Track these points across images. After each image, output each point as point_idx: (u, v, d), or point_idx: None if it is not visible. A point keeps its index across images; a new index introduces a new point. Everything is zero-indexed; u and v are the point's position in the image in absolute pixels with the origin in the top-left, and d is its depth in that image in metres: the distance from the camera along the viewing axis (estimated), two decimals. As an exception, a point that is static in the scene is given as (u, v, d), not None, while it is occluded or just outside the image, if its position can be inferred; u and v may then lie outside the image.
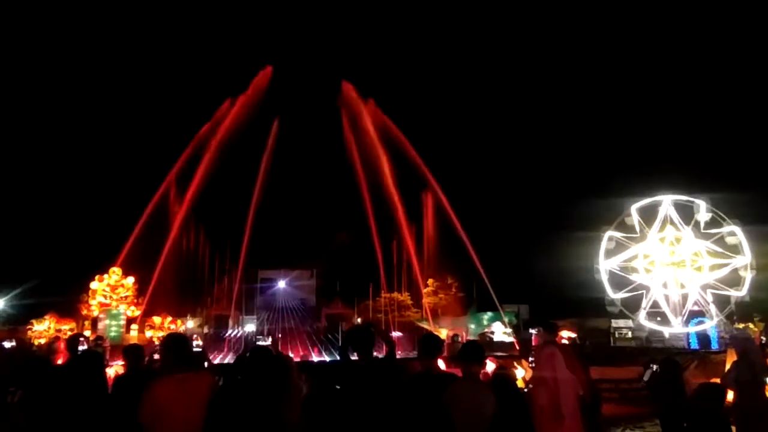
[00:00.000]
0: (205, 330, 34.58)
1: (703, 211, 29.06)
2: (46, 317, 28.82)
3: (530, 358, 9.95)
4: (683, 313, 29.54)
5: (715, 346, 24.45)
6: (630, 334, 29.39)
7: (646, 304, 30.15)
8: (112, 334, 27.62)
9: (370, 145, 38.03)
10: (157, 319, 30.91)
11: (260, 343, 26.08)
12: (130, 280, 32.21)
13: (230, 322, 36.53)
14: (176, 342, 4.72)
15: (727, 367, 9.74)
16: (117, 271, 32.06)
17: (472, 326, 32.69)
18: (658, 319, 30.11)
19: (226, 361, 21.99)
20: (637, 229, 30.54)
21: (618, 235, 30.64)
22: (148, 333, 29.75)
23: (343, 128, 38.83)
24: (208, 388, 4.47)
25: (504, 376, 6.83)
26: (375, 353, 5.01)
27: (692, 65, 60.75)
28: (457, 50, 74.57)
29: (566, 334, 21.29)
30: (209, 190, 36.42)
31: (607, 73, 65.36)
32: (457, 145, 56.07)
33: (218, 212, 38.61)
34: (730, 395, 8.29)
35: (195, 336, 25.67)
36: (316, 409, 4.91)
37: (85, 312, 31.12)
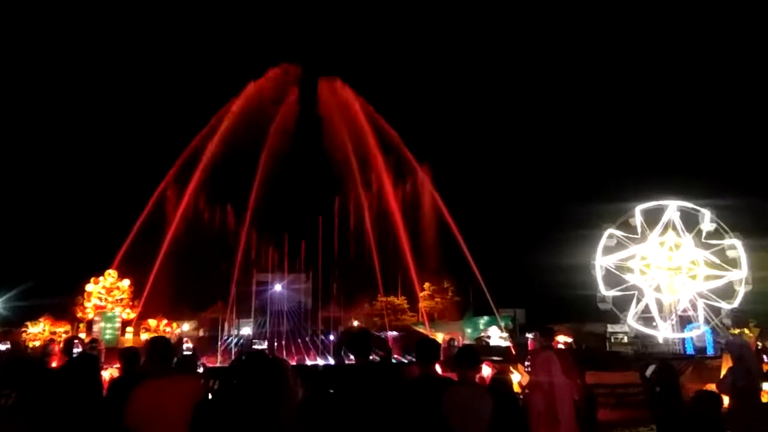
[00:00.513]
0: (201, 333, 34.45)
1: (707, 221, 29.08)
2: (41, 319, 28.64)
3: (526, 363, 9.95)
4: (672, 318, 29.63)
5: (710, 351, 24.50)
6: (626, 339, 29.45)
7: (635, 305, 30.21)
8: (107, 336, 27.50)
9: (367, 146, 38.11)
10: (152, 322, 30.77)
11: (256, 346, 26.00)
12: (126, 282, 32.09)
13: (226, 326, 36.41)
14: (159, 345, 4.72)
15: (723, 372, 9.76)
16: (112, 273, 31.93)
17: (469, 330, 32.64)
18: (654, 324, 30.18)
19: (221, 365, 21.92)
20: (639, 230, 30.59)
21: (619, 233, 30.71)
22: (144, 336, 29.58)
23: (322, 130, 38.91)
24: (194, 392, 4.43)
25: (501, 380, 6.84)
26: (372, 356, 5.00)
27: (715, 76, 60.07)
28: (460, 50, 74.88)
29: (562, 339, 21.30)
30: (209, 190, 36.58)
31: (623, 80, 65.50)
32: (457, 147, 56.25)
33: (218, 212, 38.57)
34: (726, 401, 8.31)
35: (186, 339, 25.55)
36: (312, 413, 4.89)
37: (80, 314, 30.98)
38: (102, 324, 28.66)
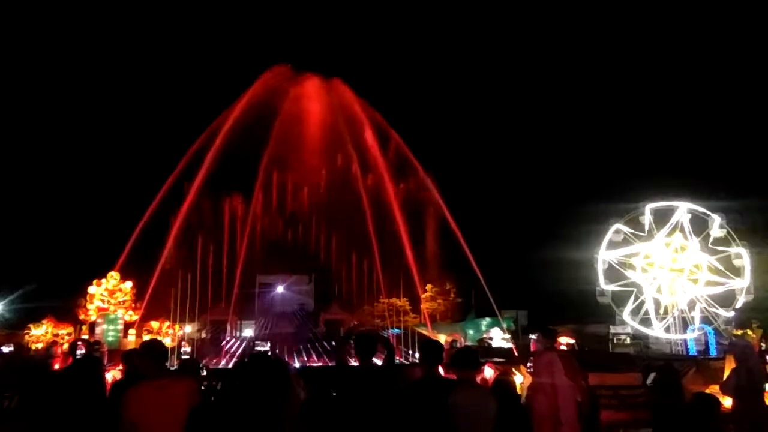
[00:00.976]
0: (203, 335, 34.47)
1: (716, 227, 28.82)
2: (44, 321, 28.67)
3: (529, 364, 9.94)
4: (668, 319, 29.56)
5: (713, 352, 24.45)
6: (628, 341, 29.37)
7: (633, 301, 30.12)
8: (110, 338, 27.54)
9: (368, 148, 38.16)
10: (155, 324, 30.77)
11: (259, 348, 26.00)
12: (128, 284, 32.09)
13: (228, 327, 36.43)
14: (152, 348, 4.73)
15: (726, 374, 9.74)
16: (115, 275, 31.94)
17: (471, 332, 32.65)
18: (650, 324, 30.14)
19: (224, 367, 21.93)
20: (646, 228, 30.43)
21: (626, 229, 30.53)
22: (146, 338, 29.64)
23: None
24: (188, 394, 4.43)
25: (504, 382, 6.84)
26: (375, 359, 5.01)
27: (740, 80, 58.60)
28: (462, 51, 74.74)
29: (565, 340, 21.24)
30: (209, 190, 36.63)
31: (641, 79, 64.92)
32: (458, 150, 56.04)
33: (217, 212, 38.61)
34: (728, 402, 8.29)
35: (184, 343, 25.57)
36: (314, 415, 4.89)
37: (82, 316, 30.98)
38: (104, 326, 28.69)
